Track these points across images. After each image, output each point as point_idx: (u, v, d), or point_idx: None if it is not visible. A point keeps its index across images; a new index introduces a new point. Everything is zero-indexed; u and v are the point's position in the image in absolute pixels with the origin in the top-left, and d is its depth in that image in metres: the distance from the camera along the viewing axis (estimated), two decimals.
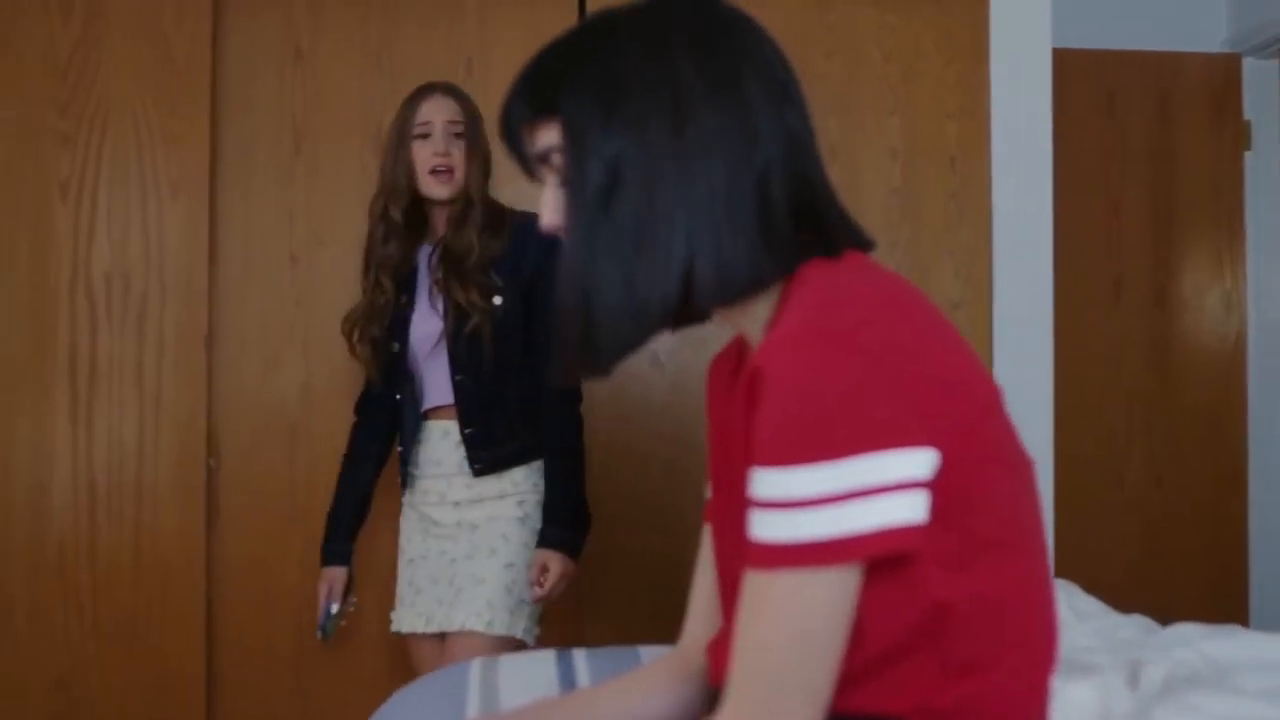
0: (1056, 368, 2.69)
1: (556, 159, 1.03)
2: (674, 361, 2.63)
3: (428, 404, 2.22)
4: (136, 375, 2.56)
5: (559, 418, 2.19)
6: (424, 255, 2.22)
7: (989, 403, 0.97)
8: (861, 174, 2.62)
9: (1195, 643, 1.55)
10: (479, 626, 2.08)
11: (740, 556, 0.95)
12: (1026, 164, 2.66)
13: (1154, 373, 3.39)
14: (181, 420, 2.55)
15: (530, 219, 2.00)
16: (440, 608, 2.16)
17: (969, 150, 2.65)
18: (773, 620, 0.89)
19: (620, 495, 2.60)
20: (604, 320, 0.99)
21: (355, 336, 2.22)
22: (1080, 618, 1.70)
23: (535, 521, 2.17)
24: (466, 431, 2.17)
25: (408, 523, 2.28)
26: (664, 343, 2.48)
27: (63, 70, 2.56)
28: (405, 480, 2.27)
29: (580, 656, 1.66)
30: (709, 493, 1.24)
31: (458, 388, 2.17)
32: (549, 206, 1.04)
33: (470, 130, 2.16)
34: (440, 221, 2.20)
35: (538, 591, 2.11)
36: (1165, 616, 1.74)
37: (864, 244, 1.06)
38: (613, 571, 2.60)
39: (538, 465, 2.20)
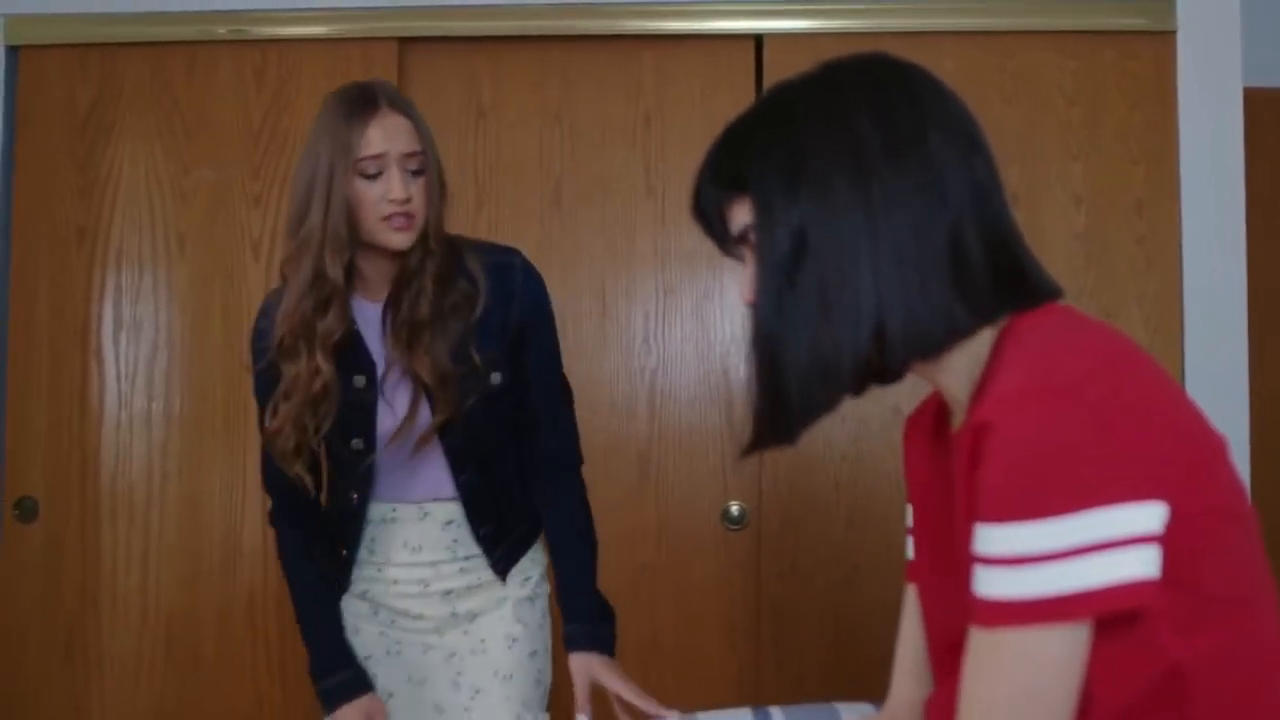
0: (1251, 418, 2.57)
1: (752, 236, 1.04)
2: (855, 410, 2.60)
3: (403, 498, 1.81)
4: None
5: (566, 488, 1.84)
6: (367, 320, 1.73)
7: (1216, 455, 0.95)
8: (1044, 220, 2.56)
9: None
10: None
11: (955, 615, 0.94)
12: (1217, 208, 2.56)
13: None
14: None
15: (501, 254, 1.77)
16: (449, 714, 1.80)
17: (1157, 195, 2.57)
18: (1002, 679, 0.88)
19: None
20: (793, 386, 1.00)
21: (287, 445, 1.69)
22: None
23: (544, 600, 1.87)
24: (482, 532, 1.80)
25: (351, 616, 1.83)
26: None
27: (256, 133, 2.67)
28: (337, 582, 1.83)
29: (777, 714, 1.64)
30: (911, 553, 1.22)
31: (464, 487, 1.78)
32: (746, 281, 1.05)
33: (430, 160, 1.69)
34: (380, 271, 1.71)
35: (588, 709, 1.72)
36: None
37: (1054, 291, 1.04)
38: (800, 625, 2.57)
39: (540, 535, 1.90)
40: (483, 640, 1.81)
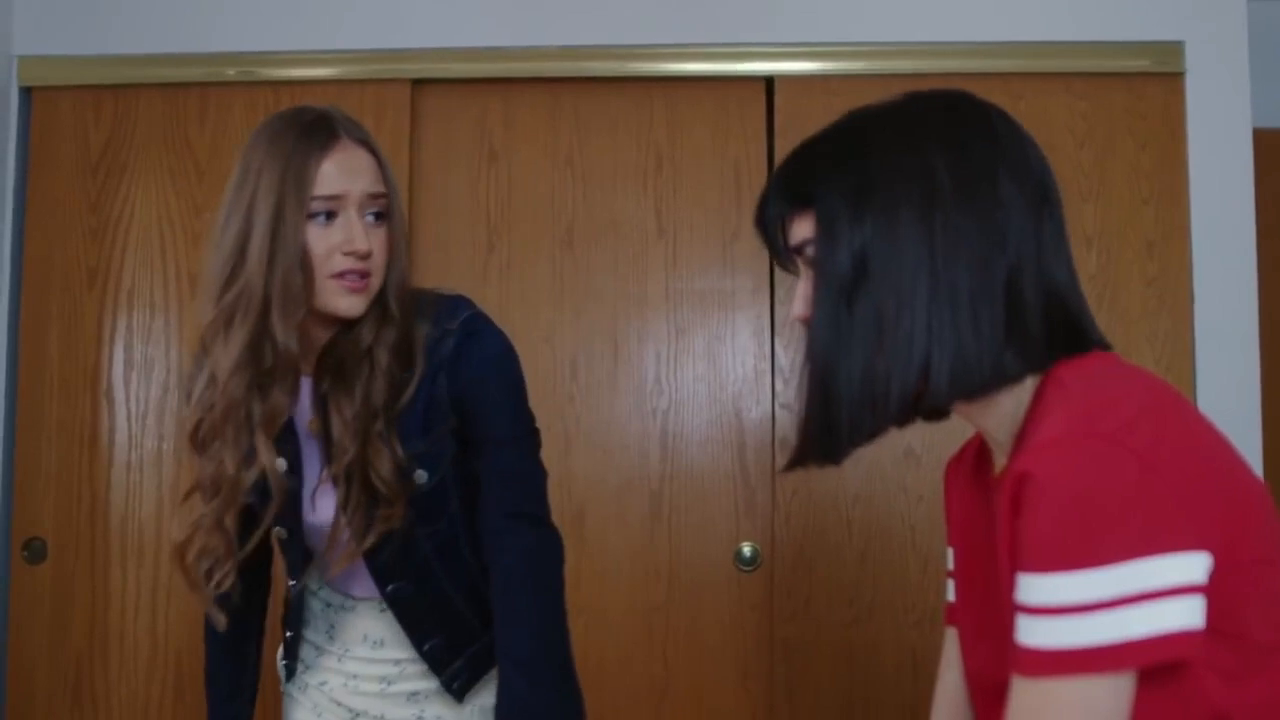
0: (1264, 458, 2.57)
1: (810, 251, 1.05)
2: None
3: (352, 593, 1.54)
4: None
5: (519, 543, 1.44)
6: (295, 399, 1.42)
7: (1259, 502, 0.94)
8: None
9: None
10: None
11: (997, 659, 0.94)
12: (1228, 248, 2.57)
13: None
14: None
15: (441, 319, 1.42)
16: None
17: (1167, 235, 2.58)
18: None
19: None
20: (843, 409, 1.00)
21: (207, 545, 1.39)
22: None
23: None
24: (425, 648, 1.49)
25: (298, 708, 1.58)
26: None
27: None
28: (294, 655, 1.58)
29: None
30: (951, 595, 1.22)
31: (391, 596, 1.48)
32: (802, 298, 1.07)
33: (394, 205, 1.40)
34: (314, 340, 1.40)
35: None
36: None
37: (1104, 347, 1.04)
38: (813, 666, 2.56)
39: None
40: None
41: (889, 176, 1.00)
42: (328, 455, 1.40)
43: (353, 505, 1.38)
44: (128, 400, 2.66)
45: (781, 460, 1.11)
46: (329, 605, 1.56)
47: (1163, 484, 0.86)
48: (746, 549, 2.58)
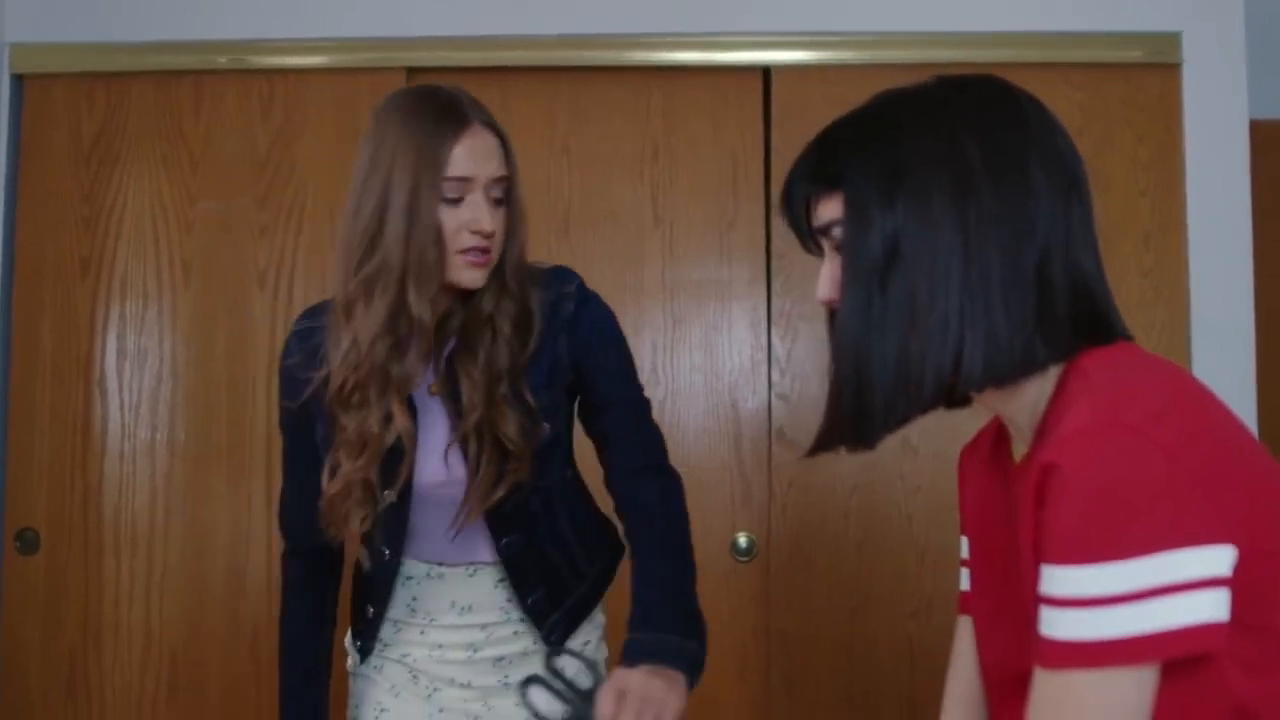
0: None
1: (836, 232, 1.04)
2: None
3: (442, 559, 1.60)
4: None
5: (647, 488, 1.55)
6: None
7: None
8: None
9: None
10: None
11: (1015, 648, 0.94)
12: (1224, 239, 2.57)
13: None
14: None
15: (555, 284, 1.56)
16: None
17: (1164, 227, 2.58)
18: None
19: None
20: (878, 393, 1.00)
21: (349, 506, 1.48)
22: None
23: (602, 667, 1.66)
24: (529, 601, 1.58)
25: (374, 688, 1.62)
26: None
27: (261, 164, 2.66)
28: (373, 634, 1.61)
29: None
30: (966, 584, 1.22)
31: (505, 551, 1.57)
32: (827, 280, 1.06)
33: (513, 186, 1.50)
34: (435, 309, 1.48)
35: None
36: None
37: (1128, 335, 1.04)
38: (809, 657, 2.56)
39: (600, 600, 1.68)
40: (536, 713, 1.60)
41: (921, 160, 0.99)
42: (455, 417, 1.49)
43: (485, 461, 1.47)
44: (120, 390, 2.64)
45: (806, 444, 1.09)
46: (410, 578, 1.61)
47: (1188, 476, 0.86)
48: (743, 540, 2.57)
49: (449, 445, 1.50)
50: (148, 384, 2.64)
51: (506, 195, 1.48)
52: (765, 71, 2.65)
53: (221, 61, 2.67)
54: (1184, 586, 0.84)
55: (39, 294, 2.66)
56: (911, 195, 0.99)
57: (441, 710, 1.60)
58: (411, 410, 1.50)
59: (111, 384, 2.64)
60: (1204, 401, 0.95)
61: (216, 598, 2.60)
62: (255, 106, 2.67)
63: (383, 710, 1.61)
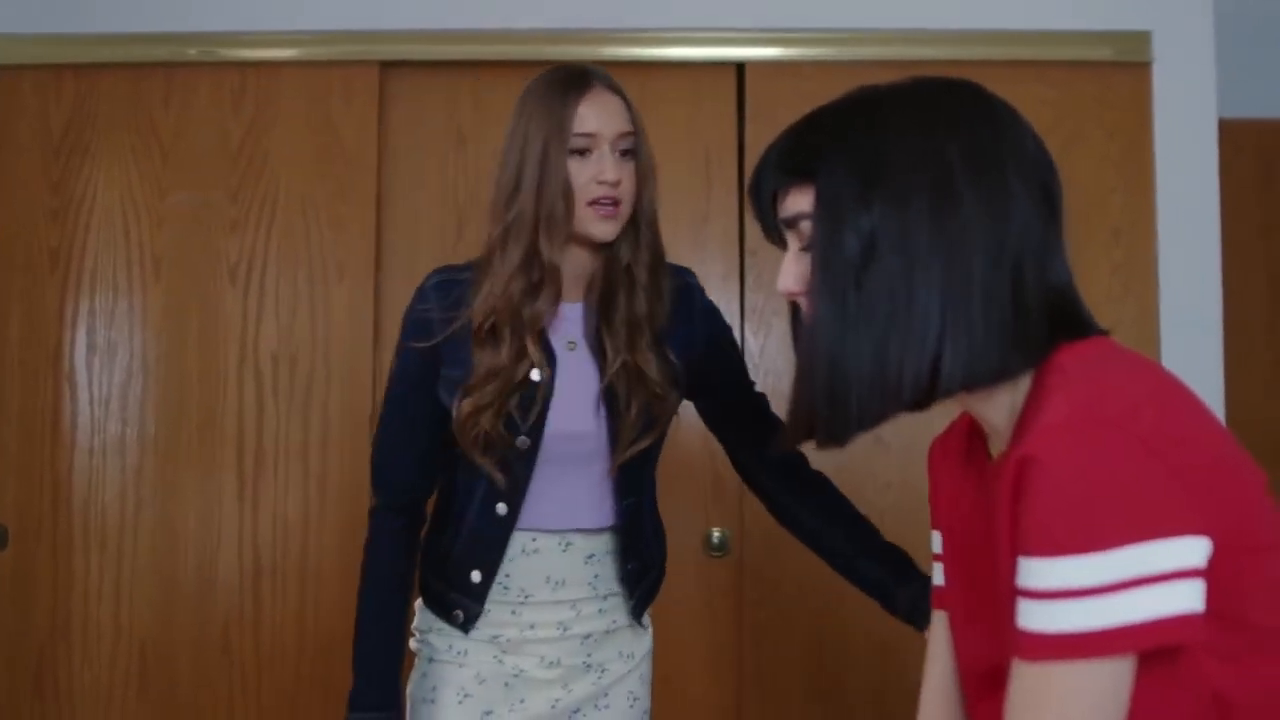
0: None
1: (805, 225, 1.03)
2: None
3: (549, 524, 1.63)
4: (302, 455, 2.60)
5: (820, 476, 1.73)
6: (558, 319, 1.61)
7: (1259, 488, 0.95)
8: None
9: None
10: None
11: (991, 642, 0.94)
12: (1193, 236, 2.59)
13: None
14: (346, 499, 2.58)
15: (676, 272, 1.68)
16: None
17: (1133, 224, 2.60)
18: (1047, 712, 0.88)
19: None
20: (853, 392, 0.99)
21: (479, 432, 1.56)
22: None
23: (652, 654, 1.77)
24: (629, 567, 1.66)
25: (474, 664, 1.64)
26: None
27: (234, 157, 2.64)
28: (468, 611, 1.63)
29: None
30: (939, 579, 1.22)
31: (625, 512, 1.64)
32: (789, 272, 1.05)
33: (641, 143, 1.60)
34: (577, 266, 1.60)
35: None
36: None
37: (1102, 330, 1.05)
38: (782, 651, 2.56)
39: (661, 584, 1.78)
40: (606, 694, 1.68)
41: (899, 158, 0.99)
42: (600, 366, 1.60)
43: (634, 406, 1.58)
44: (90, 384, 2.62)
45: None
46: (497, 558, 1.63)
47: (1165, 469, 0.87)
48: (716, 535, 2.58)
49: (600, 389, 1.59)
50: (118, 378, 2.62)
51: (634, 150, 1.57)
52: (739, 67, 2.65)
53: (193, 53, 2.65)
54: (1160, 578, 0.85)
55: (7, 287, 2.63)
56: (890, 193, 0.98)
57: (523, 700, 1.63)
58: (550, 359, 1.59)
59: (81, 378, 2.62)
60: (1179, 396, 0.96)
61: (187, 593, 2.59)
62: (227, 99, 2.65)
63: (466, 696, 1.62)
